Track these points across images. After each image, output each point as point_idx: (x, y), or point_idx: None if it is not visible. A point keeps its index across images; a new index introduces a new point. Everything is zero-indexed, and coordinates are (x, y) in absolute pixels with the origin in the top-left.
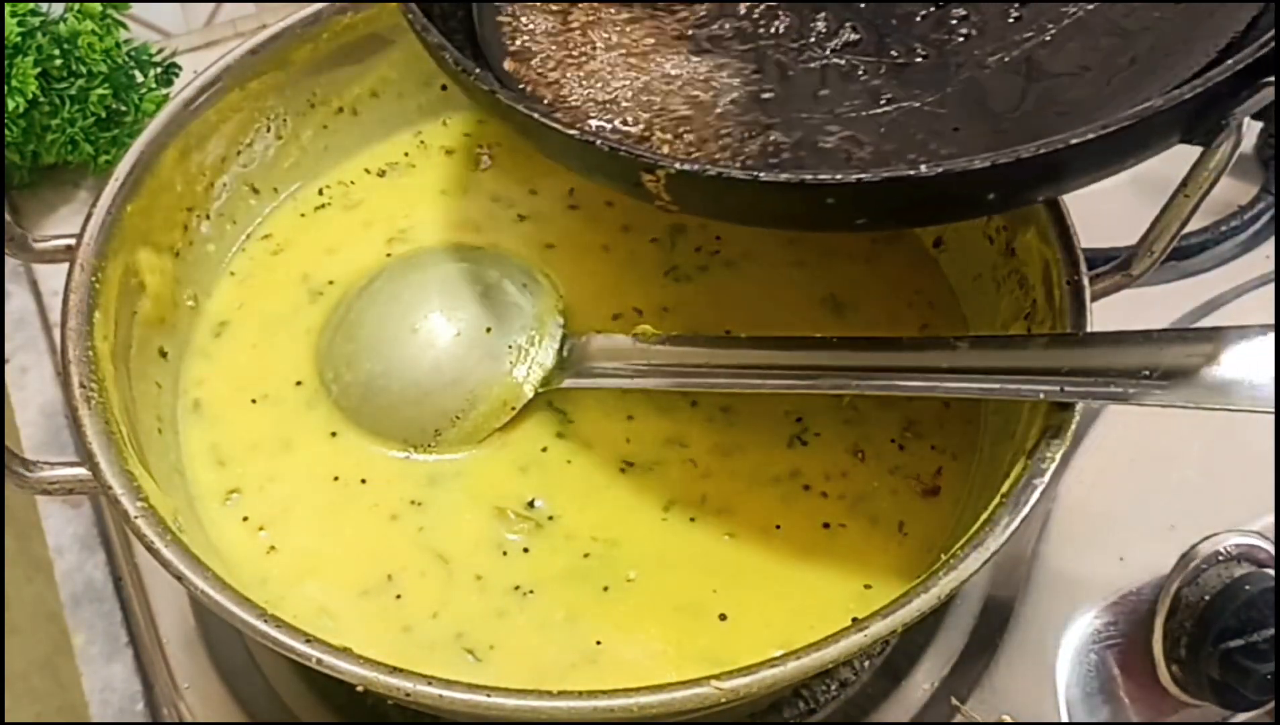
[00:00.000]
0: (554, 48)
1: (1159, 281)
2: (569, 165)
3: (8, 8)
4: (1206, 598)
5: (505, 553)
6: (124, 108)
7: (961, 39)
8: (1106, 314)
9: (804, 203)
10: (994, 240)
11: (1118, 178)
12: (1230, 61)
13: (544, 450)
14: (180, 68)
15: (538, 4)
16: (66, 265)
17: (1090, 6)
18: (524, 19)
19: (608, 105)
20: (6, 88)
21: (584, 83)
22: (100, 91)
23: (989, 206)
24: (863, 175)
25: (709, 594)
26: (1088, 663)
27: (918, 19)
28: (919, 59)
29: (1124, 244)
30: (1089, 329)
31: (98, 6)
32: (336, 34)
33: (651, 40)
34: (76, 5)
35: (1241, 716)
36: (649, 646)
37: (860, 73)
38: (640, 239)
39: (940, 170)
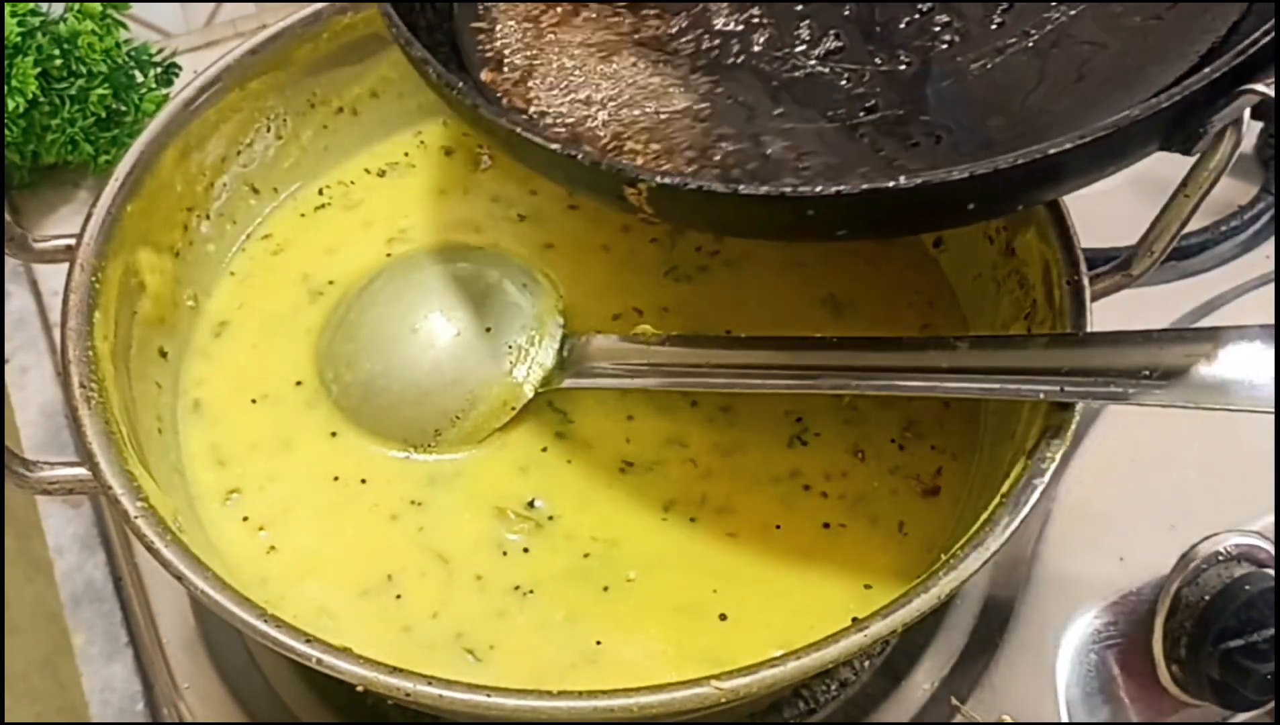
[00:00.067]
0: (528, 56)
1: (1159, 281)
2: (552, 178)
3: (8, 8)
4: (1206, 598)
5: (505, 553)
6: (124, 108)
7: (945, 45)
8: (1106, 314)
9: (785, 214)
10: (994, 240)
11: (1117, 178)
12: (1207, 70)
13: (544, 450)
14: (180, 68)
15: (512, 14)
16: (66, 265)
17: (1073, 12)
18: (499, 28)
19: (580, 112)
20: (6, 88)
21: (556, 91)
22: (100, 91)
23: (969, 216)
24: (842, 187)
25: (709, 594)
26: (1088, 663)
27: (901, 25)
28: (902, 66)
29: (1124, 244)
30: (1089, 329)
31: (98, 6)
32: (336, 34)
33: (626, 50)
34: (76, 5)
35: (1241, 716)
36: (649, 646)
37: (844, 80)
38: (640, 239)
39: (919, 182)
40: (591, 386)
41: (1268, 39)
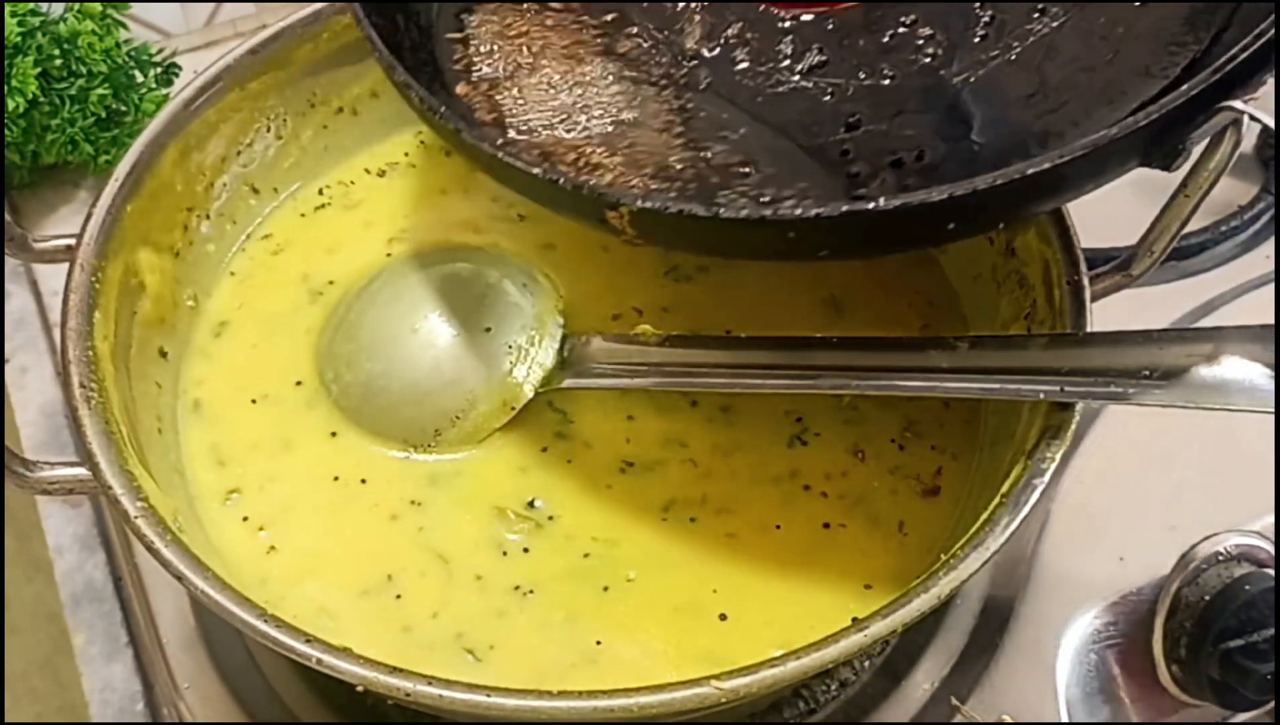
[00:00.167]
0: (501, 67)
1: (1159, 281)
2: (534, 200)
3: (8, 8)
4: (1206, 598)
5: (505, 553)
6: (124, 108)
7: (928, 59)
8: (1106, 314)
9: (766, 237)
10: (994, 240)
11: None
12: (1185, 88)
13: (544, 450)
14: (180, 68)
15: (487, 24)
16: (66, 265)
17: (1055, 24)
18: (473, 40)
19: (549, 123)
20: (6, 88)
21: (526, 103)
22: (100, 91)
23: (950, 235)
24: (821, 210)
25: (709, 594)
26: (1088, 663)
27: (885, 39)
28: (885, 80)
29: (1124, 244)
30: (1089, 329)
31: (98, 6)
32: (336, 34)
33: (599, 61)
34: (76, 5)
35: (1241, 716)
36: (649, 646)
37: (827, 95)
38: None
39: (898, 203)
40: (591, 386)
41: (1245, 55)
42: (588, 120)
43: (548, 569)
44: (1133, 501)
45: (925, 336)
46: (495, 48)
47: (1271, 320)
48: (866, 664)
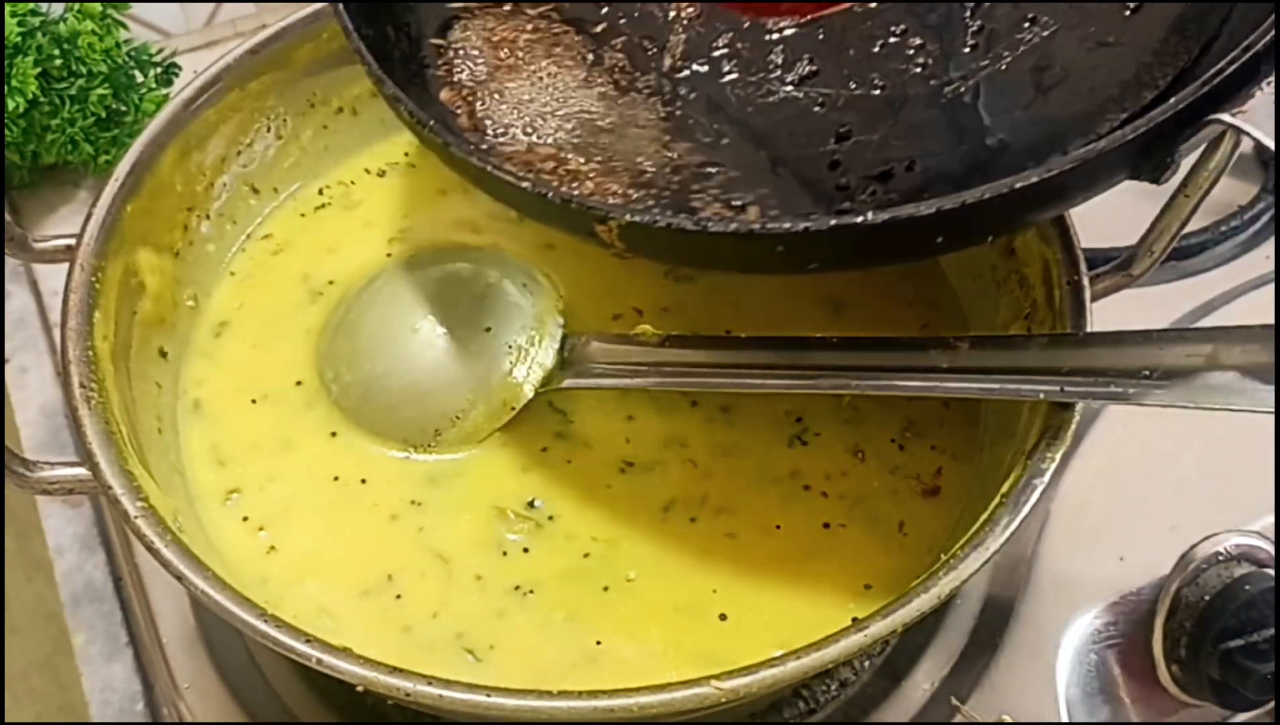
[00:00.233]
0: (482, 71)
1: (1159, 281)
2: (523, 212)
3: (8, 8)
4: (1206, 598)
5: (505, 553)
6: (124, 108)
7: (918, 69)
8: (1106, 314)
9: (754, 251)
10: (994, 240)
11: None
12: (1173, 101)
13: (544, 450)
14: (180, 68)
15: (470, 28)
16: (66, 265)
17: (1045, 34)
18: (456, 45)
19: (529, 129)
20: (6, 88)
21: (506, 107)
22: (100, 91)
23: (938, 249)
24: (809, 224)
25: (709, 594)
26: (1088, 663)
27: (875, 50)
28: (876, 91)
29: (1124, 244)
30: (1089, 329)
31: (98, 6)
32: (336, 34)
33: (582, 68)
34: (76, 5)
35: (1241, 716)
36: (649, 646)
37: (817, 106)
38: None
39: (886, 218)
40: (591, 386)
41: (1232, 69)
42: (571, 127)
43: (548, 569)
44: (1133, 501)
45: (925, 336)
46: (479, 54)
47: (1271, 320)
48: (866, 664)
